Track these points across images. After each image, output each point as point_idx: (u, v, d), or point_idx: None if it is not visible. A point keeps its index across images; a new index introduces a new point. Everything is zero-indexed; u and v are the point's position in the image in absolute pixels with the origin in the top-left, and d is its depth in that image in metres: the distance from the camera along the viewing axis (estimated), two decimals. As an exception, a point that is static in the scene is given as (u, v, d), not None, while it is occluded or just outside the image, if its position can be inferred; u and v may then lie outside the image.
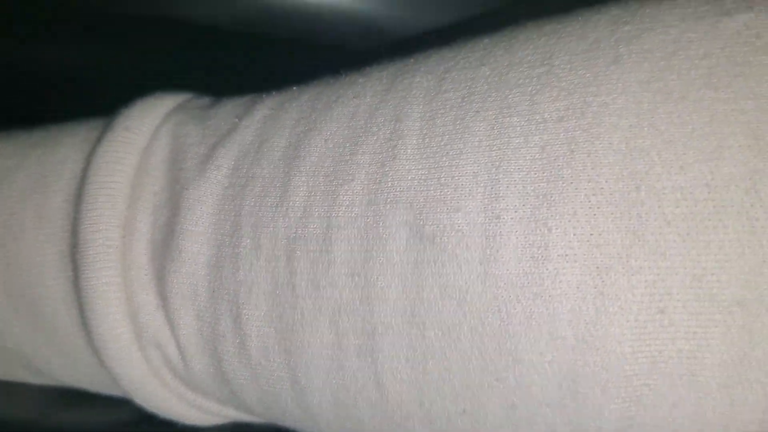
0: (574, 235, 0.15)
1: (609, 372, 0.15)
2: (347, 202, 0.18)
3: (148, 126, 0.22)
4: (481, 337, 0.16)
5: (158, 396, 0.22)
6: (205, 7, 0.30)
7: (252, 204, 0.19)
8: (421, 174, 0.17)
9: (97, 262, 0.20)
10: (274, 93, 0.21)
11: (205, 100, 0.23)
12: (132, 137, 0.21)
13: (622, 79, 0.15)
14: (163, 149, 0.21)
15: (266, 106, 0.21)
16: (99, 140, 0.22)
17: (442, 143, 0.17)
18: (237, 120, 0.21)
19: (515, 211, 0.15)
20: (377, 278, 0.17)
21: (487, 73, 0.17)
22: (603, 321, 0.15)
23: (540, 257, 0.15)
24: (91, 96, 0.25)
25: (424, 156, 0.17)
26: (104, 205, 0.21)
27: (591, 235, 0.15)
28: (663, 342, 0.14)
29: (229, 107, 0.22)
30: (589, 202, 0.15)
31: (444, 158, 0.17)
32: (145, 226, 0.21)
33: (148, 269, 0.21)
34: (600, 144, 0.15)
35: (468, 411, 0.16)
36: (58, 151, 0.23)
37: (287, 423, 0.21)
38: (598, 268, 0.15)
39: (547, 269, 0.15)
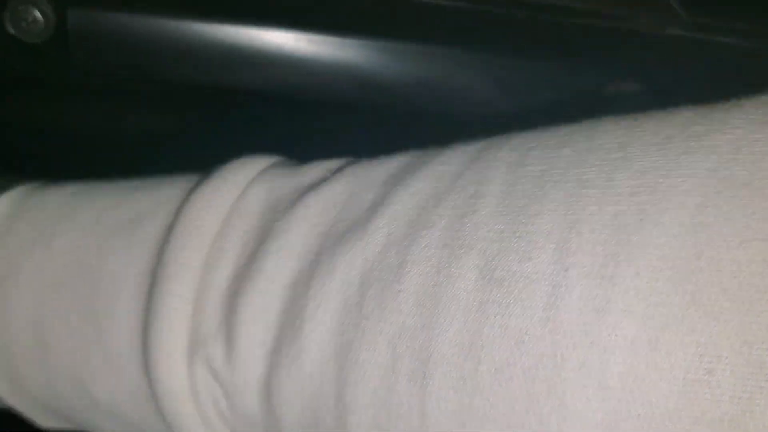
0: (636, 293, 0.15)
1: (650, 427, 0.15)
2: (424, 244, 0.19)
3: (243, 177, 0.23)
4: (533, 379, 0.16)
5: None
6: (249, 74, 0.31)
7: (335, 235, 0.20)
8: (498, 228, 0.18)
9: (177, 276, 0.22)
10: (363, 160, 0.22)
11: (294, 162, 0.24)
12: (227, 184, 0.23)
13: (691, 166, 0.16)
14: (256, 195, 0.23)
15: (357, 167, 0.22)
16: (195, 185, 0.23)
17: (521, 204, 0.18)
18: (329, 173, 0.22)
19: (582, 267, 0.16)
20: (442, 310, 0.18)
21: (568, 153, 0.18)
22: (652, 376, 0.15)
23: (601, 309, 0.16)
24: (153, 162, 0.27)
25: (503, 213, 0.18)
26: (192, 233, 0.22)
27: (651, 294, 0.15)
28: (708, 403, 0.15)
29: (323, 165, 0.23)
30: (653, 265, 0.15)
31: (521, 216, 0.18)
32: (230, 257, 0.22)
33: (224, 291, 0.22)
34: (668, 217, 0.16)
35: None
36: (156, 193, 0.24)
37: None
38: (654, 325, 0.15)
39: (606, 321, 0.16)
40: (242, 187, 0.23)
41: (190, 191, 0.23)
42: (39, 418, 0.27)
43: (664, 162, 0.16)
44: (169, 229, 0.22)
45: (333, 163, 0.23)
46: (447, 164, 0.20)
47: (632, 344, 0.15)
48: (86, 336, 0.23)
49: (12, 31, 0.31)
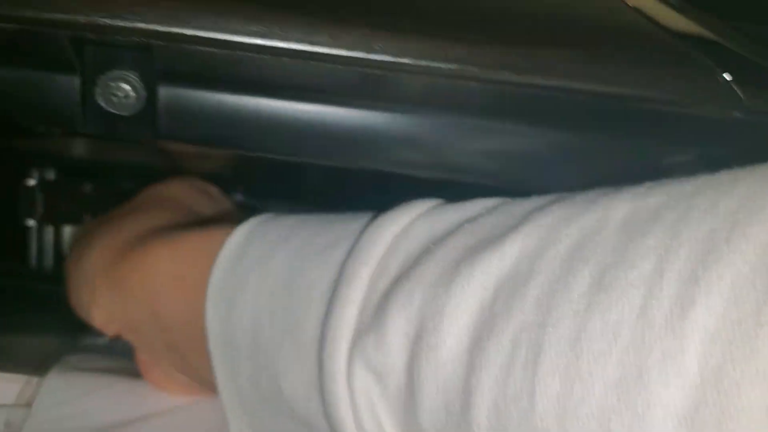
0: (719, 294, 0.18)
1: (728, 414, 0.17)
2: (551, 256, 0.22)
3: (407, 215, 0.28)
4: (623, 367, 0.19)
5: None
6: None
7: (476, 249, 0.24)
8: (613, 244, 0.21)
9: (348, 285, 0.27)
10: (519, 198, 0.26)
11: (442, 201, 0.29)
12: (392, 220, 0.28)
13: None
14: (420, 227, 0.27)
15: (510, 203, 0.26)
16: (371, 220, 0.28)
17: (637, 228, 0.21)
18: (485, 210, 0.26)
19: (676, 272, 0.19)
20: (555, 310, 0.21)
21: (688, 189, 0.21)
22: (728, 367, 0.17)
23: (686, 307, 0.18)
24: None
25: (620, 232, 0.21)
26: (362, 255, 0.27)
27: (730, 292, 0.18)
28: None
29: (481, 202, 0.27)
30: (737, 269, 0.18)
31: (634, 235, 0.21)
32: (391, 271, 0.26)
33: (382, 294, 0.26)
34: (756, 229, 0.19)
35: None
36: (344, 226, 0.30)
37: None
38: (732, 320, 0.18)
39: (689, 317, 0.18)
40: (406, 222, 0.27)
41: (367, 225, 0.28)
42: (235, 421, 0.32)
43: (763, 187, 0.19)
44: (349, 253, 0.27)
45: (490, 201, 0.27)
46: (583, 194, 0.24)
47: (712, 337, 0.18)
48: (284, 336, 0.29)
49: (102, 104, 0.32)
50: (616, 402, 0.19)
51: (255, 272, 0.30)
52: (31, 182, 0.53)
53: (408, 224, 0.27)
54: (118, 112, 0.33)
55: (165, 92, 0.32)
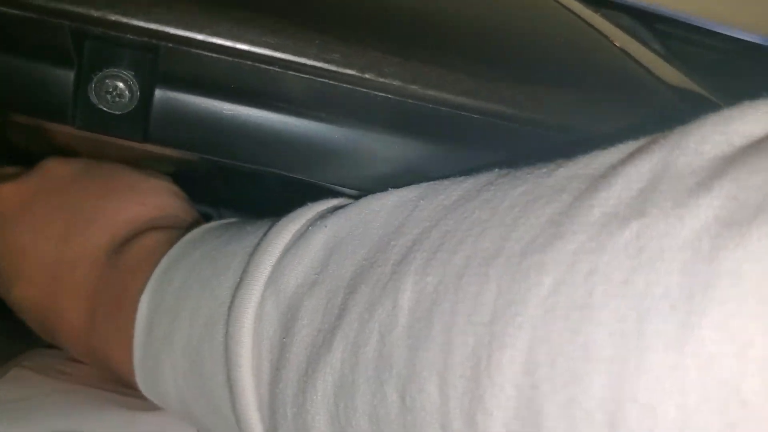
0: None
1: (724, 423, 0.16)
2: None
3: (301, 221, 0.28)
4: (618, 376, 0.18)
5: None
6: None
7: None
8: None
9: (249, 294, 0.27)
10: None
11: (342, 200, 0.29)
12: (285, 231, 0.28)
13: None
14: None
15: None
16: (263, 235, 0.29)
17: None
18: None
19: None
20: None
21: None
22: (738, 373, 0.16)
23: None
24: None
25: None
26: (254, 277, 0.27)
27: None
28: None
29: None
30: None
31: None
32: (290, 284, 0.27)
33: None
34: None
35: None
36: (240, 244, 0.30)
37: None
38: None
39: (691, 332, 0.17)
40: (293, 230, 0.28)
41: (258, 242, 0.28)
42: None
43: None
44: (243, 273, 0.28)
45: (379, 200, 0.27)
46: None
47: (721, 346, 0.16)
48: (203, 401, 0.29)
49: (95, 101, 0.32)
50: (617, 412, 0.18)
51: (164, 352, 0.31)
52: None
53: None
54: (109, 110, 0.32)
55: (161, 95, 0.32)
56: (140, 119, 0.32)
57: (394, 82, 0.28)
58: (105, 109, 0.32)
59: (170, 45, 0.28)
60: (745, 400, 0.16)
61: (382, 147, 0.32)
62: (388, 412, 0.22)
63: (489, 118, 0.30)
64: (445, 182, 0.25)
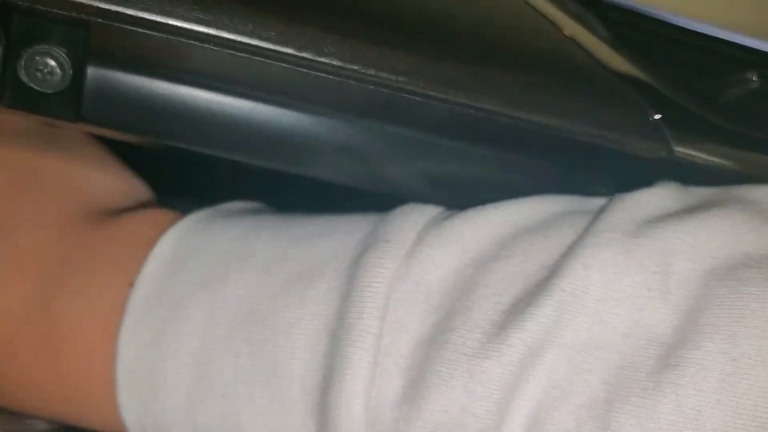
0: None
1: None
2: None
3: (407, 237, 0.26)
4: None
5: None
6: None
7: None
8: (675, 323, 0.21)
9: (358, 343, 0.24)
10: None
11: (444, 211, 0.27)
12: (393, 247, 0.25)
13: None
14: (427, 262, 0.25)
15: (528, 242, 0.26)
16: (363, 249, 0.26)
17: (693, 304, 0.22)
18: (499, 248, 0.26)
19: (750, 358, 0.20)
20: (622, 388, 0.22)
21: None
22: None
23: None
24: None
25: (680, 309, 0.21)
26: (367, 300, 0.24)
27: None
28: None
29: (486, 233, 0.26)
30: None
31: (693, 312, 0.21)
32: (411, 327, 0.24)
33: (407, 358, 0.24)
34: None
35: None
36: (318, 250, 0.27)
37: None
38: None
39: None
40: (408, 247, 0.25)
41: (359, 255, 0.26)
42: None
43: None
44: (343, 296, 0.25)
45: (493, 230, 0.26)
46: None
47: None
48: (254, 377, 0.26)
49: (24, 79, 0.31)
50: None
51: (199, 298, 0.27)
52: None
53: (408, 255, 0.26)
54: (40, 89, 0.31)
55: (94, 73, 0.31)
56: (73, 98, 0.31)
57: (334, 62, 0.28)
58: (36, 87, 0.31)
59: (100, 20, 0.27)
60: None
61: (325, 130, 0.31)
62: None
63: (431, 101, 0.30)
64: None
